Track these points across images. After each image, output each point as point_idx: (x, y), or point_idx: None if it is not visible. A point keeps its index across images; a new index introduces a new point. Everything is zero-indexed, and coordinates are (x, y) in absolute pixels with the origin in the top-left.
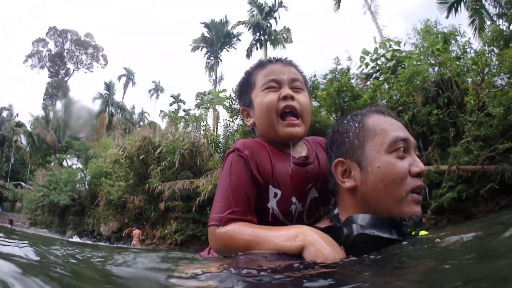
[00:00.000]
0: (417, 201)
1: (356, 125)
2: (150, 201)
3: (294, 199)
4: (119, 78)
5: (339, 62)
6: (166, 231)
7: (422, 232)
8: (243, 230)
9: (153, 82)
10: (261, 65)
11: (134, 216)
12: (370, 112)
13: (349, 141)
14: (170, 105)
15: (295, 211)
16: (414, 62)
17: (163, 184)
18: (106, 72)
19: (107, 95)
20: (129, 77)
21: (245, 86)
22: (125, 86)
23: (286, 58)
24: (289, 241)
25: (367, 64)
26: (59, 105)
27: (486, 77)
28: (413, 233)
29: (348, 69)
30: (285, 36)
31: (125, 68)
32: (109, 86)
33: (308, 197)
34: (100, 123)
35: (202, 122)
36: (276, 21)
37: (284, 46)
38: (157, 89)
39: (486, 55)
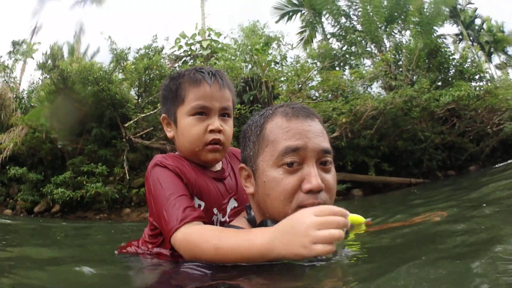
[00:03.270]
0: None
1: (257, 130)
2: None
3: (215, 210)
4: None
5: (156, 39)
6: None
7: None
8: (207, 233)
9: None
10: (195, 81)
11: None
12: (276, 112)
13: (249, 147)
14: None
15: (217, 221)
16: (229, 56)
17: None
18: None
19: None
20: None
21: (172, 96)
22: None
23: (222, 75)
24: (250, 251)
25: (180, 47)
26: None
27: (303, 88)
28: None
29: (162, 48)
30: None
31: None
32: None
33: (228, 207)
34: None
35: (11, 73)
36: None
37: (100, 4)
38: None
39: (311, 69)
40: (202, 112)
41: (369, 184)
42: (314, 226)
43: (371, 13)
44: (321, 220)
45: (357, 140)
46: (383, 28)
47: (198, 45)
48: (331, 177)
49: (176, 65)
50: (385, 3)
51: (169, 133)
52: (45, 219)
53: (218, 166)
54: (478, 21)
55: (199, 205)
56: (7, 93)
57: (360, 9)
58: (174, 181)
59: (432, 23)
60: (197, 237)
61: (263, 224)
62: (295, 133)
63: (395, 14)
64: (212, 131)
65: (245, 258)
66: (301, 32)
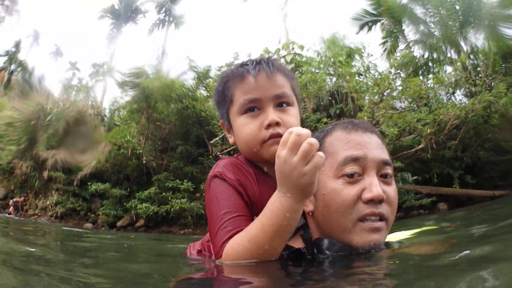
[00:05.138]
0: (370, 229)
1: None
2: (35, 169)
3: None
4: (27, 37)
5: (237, 57)
6: (48, 202)
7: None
8: (237, 240)
9: (55, 45)
10: (239, 75)
11: (20, 183)
12: (335, 127)
13: None
14: (66, 71)
15: None
16: (313, 69)
17: (47, 152)
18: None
19: (12, 53)
20: (35, 37)
21: (221, 98)
22: (30, 46)
23: (270, 61)
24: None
25: None
26: None
27: (385, 98)
28: None
29: None
30: (183, 20)
31: (33, 27)
32: (18, 44)
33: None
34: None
35: (91, 93)
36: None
37: (179, 25)
38: (57, 53)
39: (390, 78)
40: (253, 108)
41: (453, 197)
42: (290, 154)
43: (444, 18)
44: (290, 145)
45: (442, 152)
46: (458, 32)
47: (282, 60)
48: (392, 189)
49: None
50: (457, 7)
51: (231, 139)
52: (129, 232)
53: None
54: None
55: None
56: (87, 110)
57: (435, 14)
58: (232, 197)
59: (502, 24)
60: (231, 249)
61: (317, 242)
62: (355, 144)
63: (469, 18)
64: (268, 126)
65: (279, 226)
66: (384, 43)
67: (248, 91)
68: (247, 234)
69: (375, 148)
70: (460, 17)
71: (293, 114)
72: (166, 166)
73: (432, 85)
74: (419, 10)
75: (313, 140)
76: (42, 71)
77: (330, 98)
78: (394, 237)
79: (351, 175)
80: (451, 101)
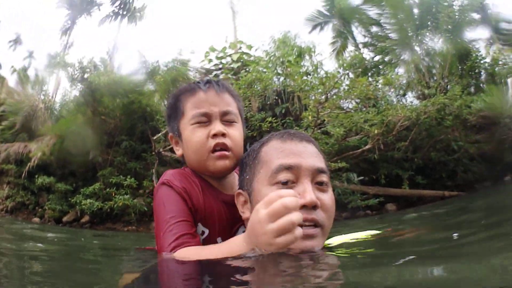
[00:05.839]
0: (304, 236)
1: (253, 154)
2: None
3: (219, 240)
4: None
5: (181, 53)
6: None
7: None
8: (188, 254)
9: (15, 33)
10: (190, 90)
11: None
12: (272, 137)
13: (245, 171)
14: (24, 59)
15: None
16: (261, 68)
17: (1, 145)
18: None
19: None
20: None
21: (173, 112)
22: None
23: (219, 82)
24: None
25: (210, 60)
26: None
27: (330, 98)
28: None
29: (188, 61)
30: (140, 14)
31: None
32: None
33: (237, 233)
34: None
35: (44, 86)
36: None
37: (136, 24)
38: (16, 41)
39: (338, 77)
40: (203, 121)
41: (403, 198)
42: (268, 220)
43: (401, 20)
44: (272, 210)
45: (391, 153)
46: (414, 35)
47: (229, 58)
48: (328, 197)
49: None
50: (416, 11)
51: (178, 151)
52: (74, 229)
53: (235, 187)
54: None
55: (203, 232)
56: (38, 104)
57: (391, 17)
58: (178, 203)
59: (462, 28)
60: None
61: None
62: (289, 153)
63: (427, 21)
64: (215, 135)
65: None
66: (333, 43)
67: (199, 104)
68: (198, 255)
69: (309, 156)
70: (417, 20)
71: (238, 129)
72: (111, 161)
73: (380, 86)
74: (373, 12)
75: (296, 217)
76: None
77: (276, 98)
78: (335, 240)
79: (284, 183)
80: (401, 103)
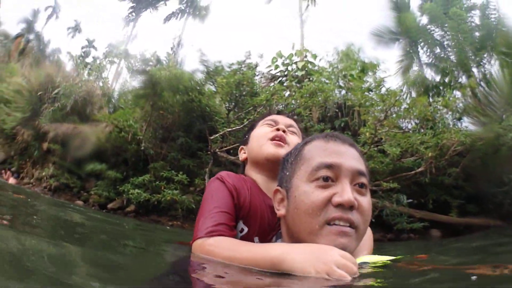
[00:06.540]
0: (337, 232)
1: (295, 152)
2: (36, 139)
3: (256, 239)
4: (46, 8)
5: (249, 56)
6: (44, 173)
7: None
8: (224, 243)
9: (74, 20)
10: (264, 116)
11: (20, 151)
12: (316, 137)
13: (286, 168)
14: (82, 48)
15: None
16: (323, 79)
17: (50, 125)
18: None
19: (30, 21)
20: (55, 9)
21: (248, 130)
22: (49, 17)
23: (289, 113)
24: (264, 258)
25: (276, 66)
26: None
27: (389, 116)
28: None
29: (256, 66)
30: (205, 12)
31: None
32: (35, 13)
33: (272, 240)
34: (15, 47)
35: (103, 73)
36: None
37: (203, 22)
38: (76, 29)
39: (399, 96)
40: (270, 124)
41: (449, 225)
42: (335, 262)
43: (461, 42)
44: (343, 261)
45: (441, 177)
46: (472, 57)
47: (294, 66)
48: (366, 200)
49: (272, 84)
50: (477, 33)
51: (242, 157)
52: (117, 216)
53: None
54: None
55: (242, 229)
56: (96, 90)
57: (452, 38)
58: (225, 197)
59: None
60: (213, 247)
61: None
62: (332, 152)
63: (487, 45)
64: (277, 130)
65: (257, 263)
66: (400, 61)
67: (269, 118)
68: (230, 247)
69: (351, 158)
70: (477, 44)
71: (296, 138)
72: (164, 155)
73: (439, 107)
74: (437, 33)
75: (355, 271)
76: (58, 44)
77: (336, 110)
78: (371, 259)
79: (325, 179)
80: (456, 126)
